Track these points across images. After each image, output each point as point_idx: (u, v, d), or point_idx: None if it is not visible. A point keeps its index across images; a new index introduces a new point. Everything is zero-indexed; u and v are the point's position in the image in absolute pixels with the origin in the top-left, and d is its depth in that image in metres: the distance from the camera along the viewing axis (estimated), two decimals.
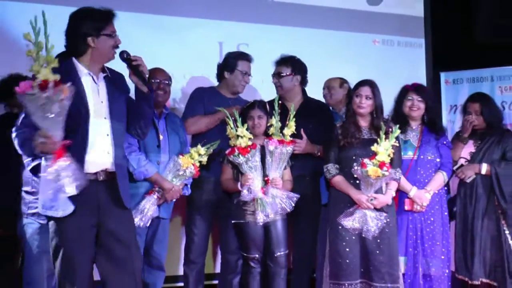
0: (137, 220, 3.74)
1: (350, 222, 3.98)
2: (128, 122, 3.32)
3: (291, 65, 4.56)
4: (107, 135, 3.17)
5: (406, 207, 4.31)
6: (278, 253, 4.16)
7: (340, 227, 4.03)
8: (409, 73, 5.82)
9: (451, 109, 5.88)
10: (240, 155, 4.01)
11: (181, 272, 4.64)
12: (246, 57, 4.56)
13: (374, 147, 3.91)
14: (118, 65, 3.31)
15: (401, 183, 4.23)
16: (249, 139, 4.05)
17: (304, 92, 4.68)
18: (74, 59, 3.17)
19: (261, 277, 4.22)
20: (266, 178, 4.07)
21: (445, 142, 4.45)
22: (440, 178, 4.36)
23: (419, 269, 4.32)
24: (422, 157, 4.36)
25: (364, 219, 3.95)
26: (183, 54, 4.87)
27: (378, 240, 4.01)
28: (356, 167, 3.91)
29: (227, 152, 4.09)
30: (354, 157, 4.03)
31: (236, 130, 4.06)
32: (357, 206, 3.99)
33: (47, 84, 2.75)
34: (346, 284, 4.07)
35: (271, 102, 4.27)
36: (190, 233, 4.46)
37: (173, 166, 4.04)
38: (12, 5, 4.88)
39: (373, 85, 4.14)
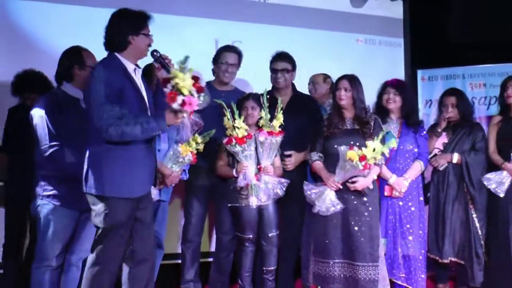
0: None
1: (308, 191, 4.05)
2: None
3: (291, 62, 4.55)
4: None
5: (386, 193, 4.35)
6: (271, 234, 4.17)
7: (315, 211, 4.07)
8: (389, 70, 5.80)
9: (427, 103, 5.90)
10: (237, 145, 4.01)
11: (179, 250, 4.64)
12: (228, 49, 4.53)
13: (368, 142, 3.93)
14: None
15: (382, 171, 4.25)
16: (245, 129, 4.04)
17: (293, 86, 4.66)
18: (117, 55, 3.22)
19: (253, 255, 4.23)
20: (258, 166, 4.07)
21: (422, 134, 4.48)
22: (417, 167, 4.40)
23: (398, 250, 4.35)
24: (401, 147, 4.37)
25: (322, 196, 3.99)
26: (181, 51, 4.77)
27: (359, 223, 4.04)
28: (343, 149, 3.92)
29: (225, 141, 4.08)
30: (336, 146, 4.05)
31: (233, 122, 4.03)
32: (323, 183, 4.04)
33: (199, 85, 3.02)
34: (331, 262, 4.09)
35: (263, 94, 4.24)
36: (187, 214, 4.44)
37: (173, 153, 4.02)
38: (26, 4, 4.84)
39: (351, 79, 4.16)
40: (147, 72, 3.61)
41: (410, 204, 4.39)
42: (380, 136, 3.96)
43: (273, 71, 4.54)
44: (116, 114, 3.03)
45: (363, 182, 4.01)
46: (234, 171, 4.07)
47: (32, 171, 3.73)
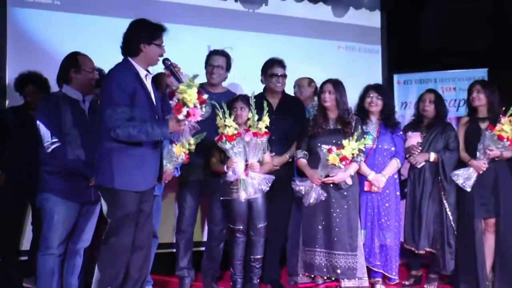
0: None
1: (297, 186, 4.14)
2: None
3: (285, 67, 4.57)
4: None
5: (365, 188, 4.39)
6: (259, 225, 4.19)
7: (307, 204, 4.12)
8: (368, 74, 5.85)
9: (402, 105, 5.91)
10: (227, 142, 4.02)
11: (173, 240, 4.63)
12: (216, 52, 4.50)
13: (344, 142, 4.00)
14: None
15: (361, 168, 4.30)
16: (235, 128, 4.04)
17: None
18: (131, 60, 3.25)
19: (243, 245, 4.24)
20: (246, 163, 4.07)
21: (399, 134, 4.52)
22: (394, 164, 4.43)
23: (375, 240, 4.38)
24: (380, 146, 4.42)
25: (310, 190, 4.08)
26: (176, 56, 4.78)
27: (340, 215, 4.11)
28: (323, 148, 4.00)
29: (216, 138, 4.09)
30: (319, 144, 4.13)
31: (225, 121, 4.03)
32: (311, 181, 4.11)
33: (202, 97, 3.04)
34: (315, 251, 4.14)
35: (255, 97, 4.22)
36: (181, 207, 4.43)
37: (167, 153, 3.98)
38: (35, 13, 4.82)
39: (335, 83, 4.25)
40: (156, 79, 3.58)
41: (387, 198, 4.42)
42: (355, 137, 4.02)
43: (273, 75, 4.52)
44: (126, 116, 3.07)
45: (341, 176, 4.07)
46: (225, 166, 4.06)
47: (34, 166, 3.76)
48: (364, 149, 4.21)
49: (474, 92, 4.45)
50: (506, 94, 4.43)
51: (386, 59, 6.13)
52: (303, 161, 4.24)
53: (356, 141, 4.02)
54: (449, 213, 4.43)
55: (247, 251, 4.27)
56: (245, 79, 5.16)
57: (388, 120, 4.46)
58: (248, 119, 4.13)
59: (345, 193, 4.15)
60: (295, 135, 4.43)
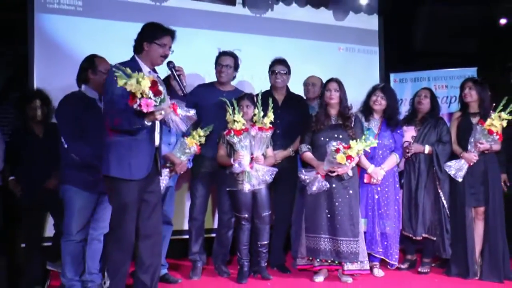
0: None
1: (303, 177, 4.14)
2: None
3: (287, 66, 4.58)
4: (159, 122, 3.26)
5: (365, 180, 4.41)
6: (264, 214, 4.20)
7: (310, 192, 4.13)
8: (366, 74, 5.86)
9: (398, 102, 5.85)
10: (235, 136, 4.03)
11: (186, 227, 4.64)
12: (224, 53, 4.47)
13: (351, 142, 4.01)
14: None
15: (362, 161, 4.31)
16: (243, 124, 4.05)
17: (287, 87, 4.68)
18: (136, 57, 3.25)
19: (249, 232, 4.25)
20: (251, 156, 4.07)
21: (398, 131, 4.51)
22: (393, 159, 4.44)
23: (376, 229, 4.38)
24: (380, 142, 4.39)
25: (314, 180, 4.09)
26: (189, 57, 4.78)
27: (342, 204, 4.13)
28: (332, 147, 4.00)
29: (225, 132, 4.11)
30: (322, 139, 4.17)
31: (234, 117, 4.03)
32: (315, 172, 4.11)
33: (157, 89, 2.88)
34: (319, 237, 4.14)
35: (263, 94, 4.22)
36: (193, 197, 4.42)
37: (181, 145, 4.06)
38: (59, 18, 4.80)
39: (338, 81, 4.28)
40: (166, 80, 3.55)
41: (386, 189, 4.42)
42: (363, 139, 4.02)
43: (273, 73, 4.55)
44: (121, 106, 3.02)
45: (345, 169, 4.09)
46: (231, 159, 4.06)
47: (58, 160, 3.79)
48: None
49: (466, 88, 4.43)
50: (492, 91, 4.43)
51: (383, 59, 6.09)
52: (308, 154, 4.24)
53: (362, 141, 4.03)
54: (444, 201, 4.41)
55: (252, 237, 4.28)
56: (253, 78, 5.16)
57: (390, 120, 4.45)
58: (254, 114, 4.13)
59: (346, 184, 4.15)
60: (298, 130, 4.43)
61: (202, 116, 4.31)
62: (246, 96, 4.21)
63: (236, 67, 4.46)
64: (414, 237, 4.47)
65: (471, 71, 5.41)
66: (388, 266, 4.50)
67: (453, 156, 4.42)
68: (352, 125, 4.20)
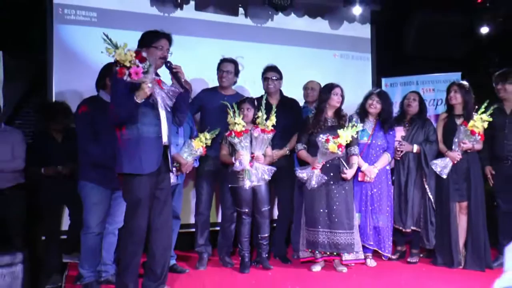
0: None
1: (300, 174, 4.14)
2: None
3: (278, 72, 4.57)
4: (165, 120, 3.26)
5: (359, 178, 4.40)
6: (263, 209, 4.22)
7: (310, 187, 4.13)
8: (360, 78, 5.86)
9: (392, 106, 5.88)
10: (236, 137, 4.05)
11: (192, 221, 4.66)
12: (225, 60, 4.49)
13: (339, 131, 4.01)
14: None
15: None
16: (243, 126, 4.06)
17: (281, 92, 4.69)
18: None
19: (249, 226, 4.27)
20: (252, 155, 4.08)
21: (391, 133, 4.50)
22: (385, 158, 4.45)
23: (369, 222, 4.41)
24: (373, 142, 4.43)
25: (311, 175, 4.09)
26: (194, 64, 4.84)
27: (340, 199, 4.16)
28: (321, 139, 4.02)
29: (226, 133, 4.13)
30: (320, 139, 4.12)
31: (234, 119, 4.05)
32: (312, 168, 4.10)
33: (141, 56, 2.90)
34: (318, 231, 4.14)
35: (260, 99, 4.25)
36: (198, 193, 4.45)
37: (188, 147, 4.08)
38: (76, 28, 4.85)
39: (341, 87, 4.28)
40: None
41: (379, 186, 4.43)
42: (349, 127, 4.03)
43: (266, 79, 4.56)
44: (116, 100, 3.06)
45: (351, 173, 4.18)
46: (233, 158, 4.09)
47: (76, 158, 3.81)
48: (358, 141, 4.28)
49: (452, 92, 4.44)
50: (476, 94, 4.42)
51: (375, 65, 6.08)
52: (304, 152, 4.26)
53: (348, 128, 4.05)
54: (430, 196, 4.43)
55: (254, 230, 4.30)
56: (255, 83, 5.08)
57: (384, 122, 4.45)
58: (257, 117, 4.14)
59: (342, 181, 4.18)
60: (292, 131, 4.45)
61: (206, 118, 4.37)
62: (246, 100, 4.22)
63: (236, 72, 4.48)
64: (404, 230, 4.49)
65: (456, 76, 5.37)
66: (383, 258, 4.52)
67: (439, 154, 4.44)
68: (346, 123, 4.19)
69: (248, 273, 4.15)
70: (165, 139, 3.26)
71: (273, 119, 4.12)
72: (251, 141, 4.10)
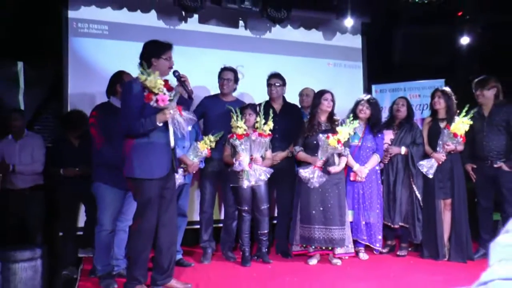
0: None
1: (303, 173, 4.15)
2: None
3: (282, 79, 4.59)
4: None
5: (351, 178, 4.44)
6: (262, 207, 4.23)
7: (305, 186, 4.16)
8: (352, 85, 5.87)
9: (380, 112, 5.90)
10: (237, 139, 4.07)
11: (197, 218, 4.66)
12: (225, 68, 4.51)
13: (338, 128, 4.08)
14: None
15: (348, 161, 4.35)
16: (244, 129, 4.09)
17: (284, 98, 4.71)
18: None
19: (249, 223, 4.30)
20: (250, 157, 4.10)
21: (379, 136, 4.53)
22: (375, 159, 4.48)
23: (361, 219, 4.44)
24: (364, 144, 4.47)
25: (312, 173, 4.11)
26: (197, 73, 4.84)
27: (334, 197, 4.18)
28: (323, 137, 4.06)
29: (229, 136, 4.15)
30: (315, 142, 4.18)
31: (237, 122, 4.09)
32: (313, 167, 4.11)
33: (169, 85, 3.01)
34: (313, 228, 4.16)
35: (264, 104, 4.30)
36: (202, 193, 4.47)
37: (193, 149, 4.09)
38: (88, 41, 4.90)
39: (331, 93, 4.30)
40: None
41: (370, 185, 4.46)
42: (347, 123, 4.10)
43: (269, 85, 4.57)
44: (135, 115, 3.07)
45: (337, 169, 4.18)
46: (234, 159, 4.11)
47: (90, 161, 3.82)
48: (349, 143, 4.29)
49: (436, 97, 4.47)
50: (457, 99, 4.45)
51: (366, 73, 6.08)
52: (302, 153, 4.28)
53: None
54: (418, 195, 4.45)
55: (253, 227, 4.32)
56: (254, 90, 5.17)
57: (373, 127, 4.48)
58: (256, 122, 4.16)
59: (336, 181, 4.20)
60: (294, 134, 4.44)
61: (208, 123, 4.39)
62: (249, 106, 4.24)
63: (236, 80, 4.50)
64: (392, 225, 4.53)
65: (440, 82, 5.39)
66: (374, 252, 4.55)
67: (425, 156, 4.47)
68: (345, 123, 4.19)
69: (249, 266, 4.17)
70: (172, 143, 3.30)
71: (270, 125, 4.13)
72: (251, 144, 4.12)
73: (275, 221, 4.77)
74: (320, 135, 4.09)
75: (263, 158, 4.18)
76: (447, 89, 4.53)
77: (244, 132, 4.07)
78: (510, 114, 4.28)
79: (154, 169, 3.16)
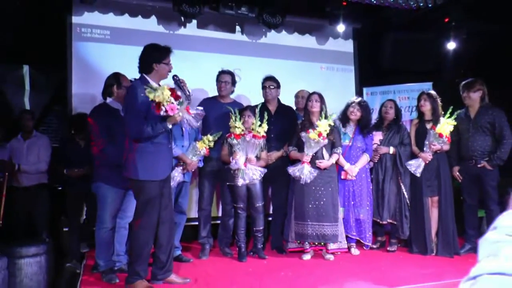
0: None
1: (291, 170, 4.16)
2: None
3: (276, 81, 4.59)
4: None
5: (342, 177, 4.43)
6: (257, 204, 4.23)
7: (299, 184, 4.15)
8: (344, 88, 5.90)
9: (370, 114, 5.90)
10: (234, 139, 4.08)
11: (196, 215, 4.65)
12: (223, 72, 4.50)
13: (317, 122, 4.06)
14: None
15: (340, 160, 4.35)
16: (242, 130, 4.09)
17: (278, 100, 4.70)
18: (145, 76, 3.21)
19: (245, 220, 4.29)
20: (246, 157, 4.10)
21: (369, 136, 4.54)
22: (365, 158, 4.48)
23: (351, 215, 4.44)
24: (354, 144, 4.47)
25: (302, 170, 4.10)
26: (196, 76, 4.85)
27: (327, 195, 4.17)
28: (304, 134, 4.05)
29: (227, 135, 4.15)
30: (304, 135, 4.16)
31: (235, 123, 4.09)
32: (302, 163, 4.12)
33: (176, 94, 3.01)
34: (306, 224, 4.16)
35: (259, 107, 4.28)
36: (201, 191, 4.46)
37: (192, 148, 4.08)
38: (91, 45, 4.88)
39: (319, 94, 4.29)
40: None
41: (360, 183, 4.46)
42: (323, 117, 4.07)
43: (264, 88, 4.57)
44: (141, 118, 3.07)
45: (326, 163, 4.16)
46: (231, 158, 4.11)
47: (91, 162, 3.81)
48: (341, 143, 4.30)
49: (422, 100, 4.48)
50: (444, 101, 4.46)
51: (357, 76, 6.11)
52: (294, 152, 4.29)
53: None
54: (405, 193, 4.46)
55: (249, 224, 4.32)
56: (250, 92, 5.18)
57: (363, 128, 4.48)
58: (252, 123, 4.16)
59: (329, 179, 4.20)
60: (289, 135, 4.44)
61: (207, 123, 4.37)
62: (248, 108, 4.24)
63: (233, 82, 4.48)
64: (380, 222, 4.54)
65: (428, 85, 5.43)
66: (364, 247, 4.55)
67: (412, 155, 4.48)
68: (331, 131, 4.19)
69: (246, 261, 4.16)
70: (171, 144, 3.31)
71: (264, 127, 4.12)
72: (246, 145, 4.11)
73: (270, 218, 4.77)
74: (303, 133, 4.10)
75: (258, 158, 4.18)
76: (433, 92, 4.55)
77: (242, 132, 4.08)
78: (495, 117, 4.30)
79: (158, 170, 3.17)
